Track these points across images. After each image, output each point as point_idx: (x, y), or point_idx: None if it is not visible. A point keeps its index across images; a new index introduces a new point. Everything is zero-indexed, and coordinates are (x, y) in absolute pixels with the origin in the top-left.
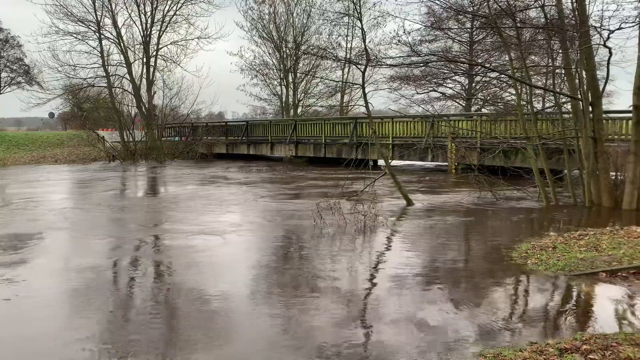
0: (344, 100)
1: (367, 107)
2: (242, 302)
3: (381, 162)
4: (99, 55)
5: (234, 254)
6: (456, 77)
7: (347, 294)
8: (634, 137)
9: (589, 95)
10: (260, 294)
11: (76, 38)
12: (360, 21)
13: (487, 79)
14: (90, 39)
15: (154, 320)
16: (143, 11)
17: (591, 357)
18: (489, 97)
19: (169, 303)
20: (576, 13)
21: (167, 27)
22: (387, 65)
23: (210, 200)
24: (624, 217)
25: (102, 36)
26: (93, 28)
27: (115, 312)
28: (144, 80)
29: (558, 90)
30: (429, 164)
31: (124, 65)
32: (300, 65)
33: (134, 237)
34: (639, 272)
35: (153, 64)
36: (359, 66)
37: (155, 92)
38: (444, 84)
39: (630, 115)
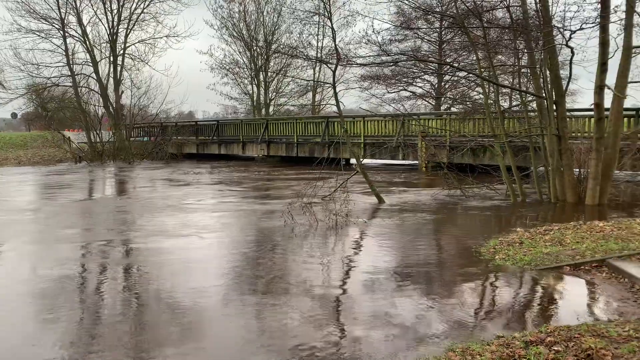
0: (316, 100)
1: (338, 106)
2: (213, 295)
3: (353, 160)
4: (64, 53)
5: (205, 255)
6: (426, 77)
7: (319, 292)
8: (595, 134)
9: (553, 93)
10: (232, 290)
11: (39, 36)
12: (330, 20)
13: (456, 78)
14: (54, 37)
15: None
16: (109, 9)
17: (555, 348)
18: (457, 96)
19: (138, 306)
20: (540, 14)
21: (134, 25)
22: (357, 64)
23: (180, 202)
24: (587, 212)
25: (66, 34)
26: (57, 26)
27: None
28: (111, 80)
29: (524, 89)
30: (400, 162)
31: (90, 64)
32: (272, 64)
33: (98, 244)
34: (601, 265)
35: (120, 63)
36: (330, 65)
37: (122, 92)
38: (414, 83)
39: (592, 113)
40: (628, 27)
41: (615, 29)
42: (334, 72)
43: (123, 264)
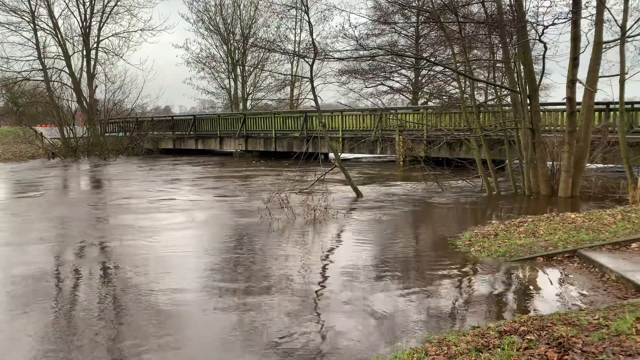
0: (294, 94)
1: (316, 100)
2: (191, 289)
3: (332, 155)
4: (35, 47)
5: (181, 252)
6: (403, 71)
7: (298, 286)
8: (568, 127)
9: (527, 88)
10: (210, 283)
11: (8, 29)
12: (307, 14)
13: (433, 72)
14: (25, 29)
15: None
16: (81, 1)
17: (528, 337)
18: (434, 91)
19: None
20: (514, 9)
21: (108, 18)
22: (334, 58)
23: (156, 199)
24: (559, 204)
25: (37, 27)
26: (27, 18)
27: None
28: (85, 74)
29: (499, 83)
30: (378, 156)
31: (62, 58)
32: (249, 58)
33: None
34: (573, 255)
35: (94, 57)
36: (307, 59)
37: (96, 86)
38: (391, 78)
39: (564, 107)
40: (598, 23)
41: (586, 25)
42: (311, 66)
43: (97, 263)
